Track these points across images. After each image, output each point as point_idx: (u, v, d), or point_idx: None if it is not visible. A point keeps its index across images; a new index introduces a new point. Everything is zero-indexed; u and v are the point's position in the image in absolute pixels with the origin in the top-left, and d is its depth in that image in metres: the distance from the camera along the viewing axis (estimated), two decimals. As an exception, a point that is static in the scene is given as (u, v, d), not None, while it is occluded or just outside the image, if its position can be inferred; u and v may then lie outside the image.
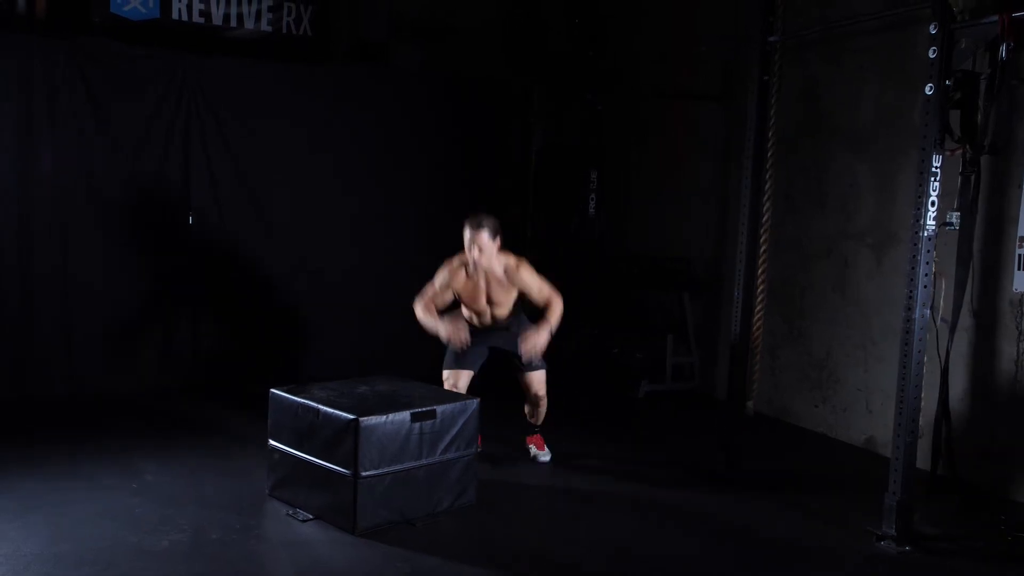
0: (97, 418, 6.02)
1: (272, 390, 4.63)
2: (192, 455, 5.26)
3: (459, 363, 5.20)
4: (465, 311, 5.26)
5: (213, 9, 6.90)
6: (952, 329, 4.49)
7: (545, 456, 5.46)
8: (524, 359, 5.17)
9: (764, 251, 5.49)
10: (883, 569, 4.14)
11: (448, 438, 4.48)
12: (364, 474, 4.18)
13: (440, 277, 5.09)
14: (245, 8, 7.02)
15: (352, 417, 4.18)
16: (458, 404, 4.55)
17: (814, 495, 5.04)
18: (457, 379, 5.19)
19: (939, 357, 4.49)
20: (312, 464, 4.37)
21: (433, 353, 7.57)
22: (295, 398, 4.49)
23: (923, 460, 4.50)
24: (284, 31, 7.18)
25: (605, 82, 7.57)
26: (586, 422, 6.50)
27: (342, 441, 4.21)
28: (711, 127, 7.27)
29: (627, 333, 7.52)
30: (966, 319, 5.09)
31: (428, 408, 4.43)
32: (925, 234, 4.22)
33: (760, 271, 5.53)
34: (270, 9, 7.11)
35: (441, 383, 5.22)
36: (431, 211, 7.53)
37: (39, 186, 6.32)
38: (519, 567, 4.03)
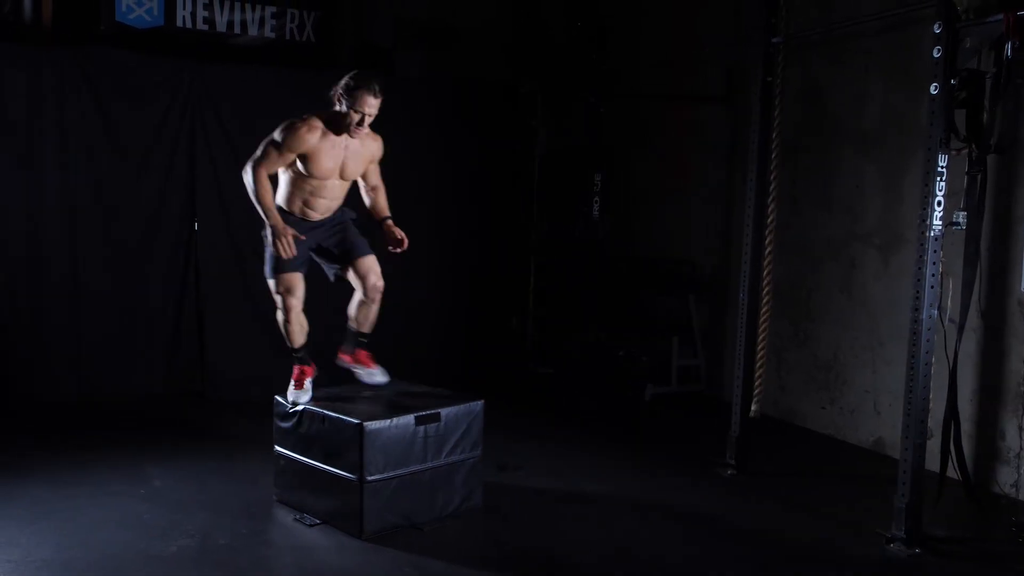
0: (105, 424, 6.03)
1: (277, 396, 4.63)
2: (200, 461, 5.27)
3: (289, 265, 4.42)
4: (298, 198, 4.49)
5: (217, 16, 6.92)
6: (960, 329, 4.47)
7: (381, 376, 4.79)
8: (376, 290, 4.63)
9: (769, 253, 5.47)
10: (892, 572, 4.13)
11: (453, 441, 4.48)
12: (370, 478, 4.18)
13: (284, 134, 4.28)
14: (249, 15, 7.04)
15: (357, 422, 4.19)
16: (463, 407, 4.55)
17: (822, 497, 5.02)
18: (293, 285, 4.47)
19: (947, 358, 4.47)
20: (318, 469, 4.37)
21: (439, 356, 7.65)
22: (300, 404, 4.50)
23: (932, 462, 4.47)
24: (287, 37, 7.20)
25: (608, 84, 7.57)
26: (591, 425, 6.49)
27: (347, 446, 4.21)
28: (715, 129, 7.27)
29: (632, 336, 7.50)
30: (974, 319, 5.06)
31: (432, 411, 4.43)
32: (932, 234, 4.21)
33: (766, 273, 5.52)
34: (273, 16, 7.13)
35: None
36: (435, 214, 7.53)
37: (48, 194, 6.36)
38: (526, 569, 4.02)
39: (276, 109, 6.89)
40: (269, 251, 4.44)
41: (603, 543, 4.33)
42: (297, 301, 4.49)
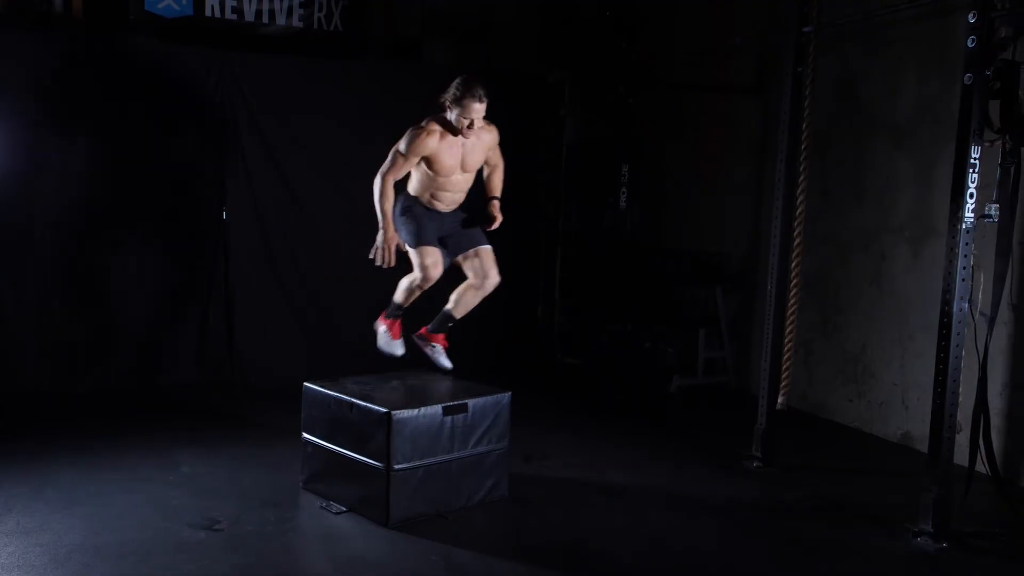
0: (134, 411, 6.10)
1: (306, 384, 4.67)
2: (228, 448, 5.32)
3: (428, 239, 4.76)
4: (427, 191, 4.82)
5: (245, 6, 6.95)
6: (991, 323, 4.42)
7: (447, 361, 5.05)
8: (489, 284, 4.88)
9: (798, 244, 5.43)
10: (920, 566, 4.10)
11: (480, 431, 4.49)
12: (397, 467, 4.21)
13: (409, 142, 4.64)
14: (277, 4, 7.07)
15: (385, 410, 4.21)
16: (490, 398, 4.57)
17: (849, 491, 5.00)
18: (438, 258, 4.76)
19: (977, 352, 4.42)
20: (345, 457, 4.40)
21: (465, 346, 7.64)
22: (329, 392, 4.53)
23: (960, 456, 4.43)
24: (315, 27, 7.22)
25: (638, 75, 7.53)
26: (617, 416, 6.49)
27: (375, 434, 4.24)
28: (745, 120, 7.21)
29: (659, 327, 7.49)
30: (1005, 313, 5.01)
31: (460, 402, 4.45)
32: (963, 227, 4.16)
33: (794, 265, 5.48)
34: (301, 5, 7.15)
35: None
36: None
37: (78, 183, 6.42)
38: (553, 560, 4.03)
39: (304, 98, 7.02)
40: (407, 226, 4.79)
41: (634, 534, 4.33)
42: (438, 272, 4.74)
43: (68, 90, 6.33)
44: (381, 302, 7.33)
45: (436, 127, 4.66)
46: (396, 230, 4.78)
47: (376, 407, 4.26)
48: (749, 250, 7.20)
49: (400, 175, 4.73)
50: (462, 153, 4.74)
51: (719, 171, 7.47)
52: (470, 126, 4.60)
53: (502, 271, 8.19)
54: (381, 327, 5.16)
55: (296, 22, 7.15)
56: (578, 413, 6.45)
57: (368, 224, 7.23)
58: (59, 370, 6.45)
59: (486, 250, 4.90)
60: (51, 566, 3.69)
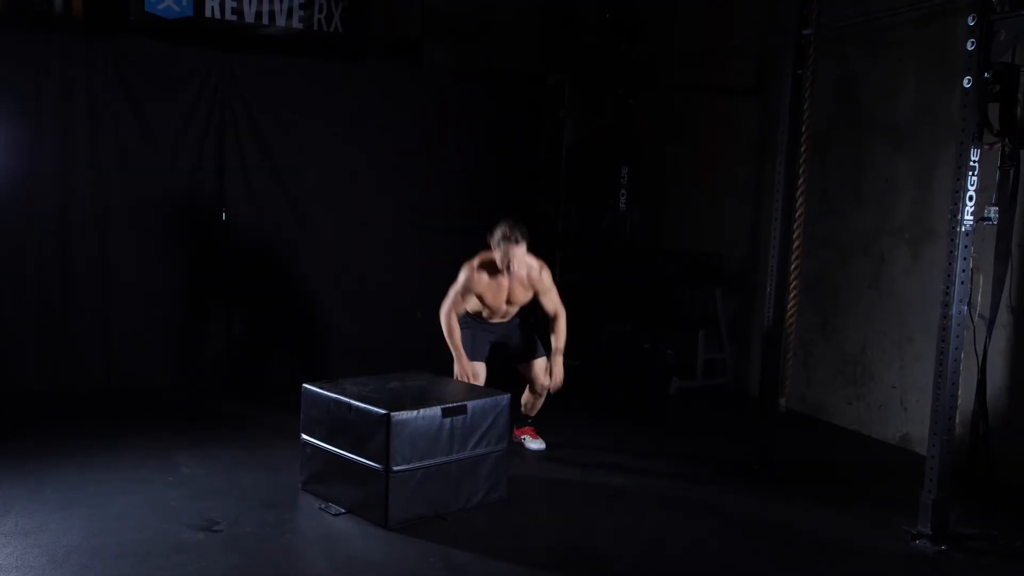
0: (134, 411, 6.10)
1: (305, 385, 4.67)
2: (227, 449, 5.31)
3: (476, 355, 5.32)
4: (477, 305, 5.33)
5: (245, 7, 6.95)
6: (990, 326, 4.42)
7: (540, 445, 5.56)
8: (543, 388, 5.41)
9: (798, 246, 5.44)
10: (920, 568, 4.10)
11: (479, 433, 4.49)
12: (396, 469, 4.21)
13: (463, 282, 5.20)
14: (277, 5, 7.07)
15: (384, 412, 4.20)
16: (489, 400, 4.56)
17: (849, 493, 5.00)
18: (478, 373, 5.28)
19: (976, 354, 4.42)
20: (344, 459, 4.40)
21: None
22: (328, 393, 4.53)
23: (959, 458, 4.43)
24: (315, 28, 7.22)
25: (637, 76, 7.54)
26: (617, 418, 6.49)
27: (374, 436, 4.23)
28: (745, 121, 7.22)
29: (659, 329, 7.49)
30: (1004, 316, 5.01)
31: (459, 403, 4.44)
32: (963, 229, 4.16)
33: (794, 267, 5.48)
34: (301, 6, 7.15)
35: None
36: (464, 205, 7.55)
37: (78, 183, 6.43)
38: (552, 561, 4.03)
39: (304, 100, 7.03)
40: (463, 339, 5.27)
41: (634, 535, 4.33)
42: (481, 383, 5.23)
43: (68, 90, 6.32)
44: (380, 303, 7.38)
45: (479, 266, 5.19)
46: None
47: (375, 408, 4.26)
48: (748, 251, 7.20)
49: (460, 310, 5.26)
50: (508, 288, 5.24)
51: (719, 172, 7.47)
52: (508, 267, 5.09)
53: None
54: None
55: (296, 23, 7.16)
56: (578, 414, 6.45)
57: (367, 224, 7.32)
58: (57, 370, 6.44)
59: (537, 363, 5.41)
60: (49, 567, 3.69)
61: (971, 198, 4.14)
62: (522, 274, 5.22)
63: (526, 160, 8.03)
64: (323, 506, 4.45)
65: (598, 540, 4.26)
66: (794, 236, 5.44)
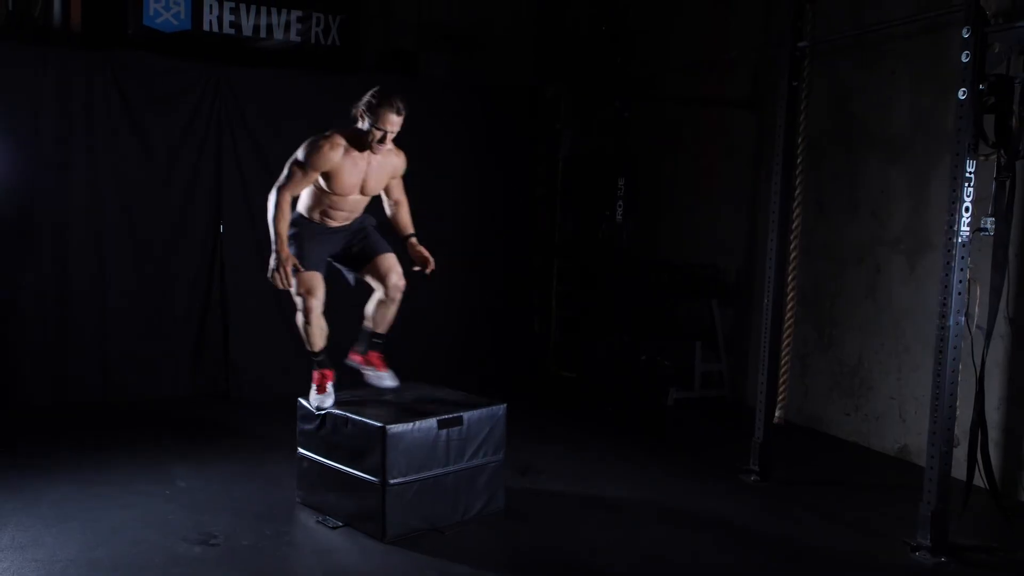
0: (130, 425, 6.09)
1: (301, 399, 4.66)
2: (224, 462, 5.30)
3: (309, 264, 4.43)
4: (317, 208, 4.51)
5: (243, 20, 6.97)
6: (988, 336, 4.43)
7: (391, 380, 4.73)
8: (397, 289, 4.60)
9: (794, 258, 5.44)
10: (918, 580, 4.09)
11: (475, 444, 4.48)
12: (392, 481, 4.20)
13: (313, 156, 4.29)
14: (274, 19, 7.09)
15: (380, 425, 4.20)
16: (485, 411, 4.56)
17: (846, 505, 4.99)
18: (314, 286, 4.45)
19: (974, 365, 4.42)
20: (341, 472, 4.39)
21: (461, 359, 7.65)
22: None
23: (958, 470, 4.43)
24: (313, 41, 7.24)
25: (634, 88, 7.56)
26: (614, 429, 6.48)
27: (370, 449, 4.23)
28: (741, 133, 7.23)
29: (656, 340, 7.49)
30: (1002, 326, 5.01)
31: (455, 415, 4.43)
32: (959, 240, 4.17)
33: (790, 278, 5.49)
34: (299, 19, 7.18)
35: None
36: (458, 216, 7.57)
37: (76, 196, 6.44)
38: (549, 574, 4.01)
39: (301, 112, 7.02)
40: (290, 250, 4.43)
41: (629, 549, 4.31)
42: (318, 302, 4.48)
43: (66, 104, 6.33)
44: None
45: (341, 140, 4.32)
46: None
47: (371, 421, 4.25)
48: (745, 263, 7.21)
49: (299, 190, 4.38)
50: (366, 172, 4.43)
51: (715, 184, 7.48)
52: (382, 140, 4.27)
53: (499, 284, 8.23)
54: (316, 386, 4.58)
55: (294, 36, 7.18)
56: (574, 426, 6.44)
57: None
58: (55, 383, 6.43)
59: (387, 256, 4.60)
60: (45, 581, 3.68)
61: (967, 209, 4.16)
62: (392, 157, 4.49)
63: (523, 172, 8.04)
64: (320, 519, 4.44)
65: (596, 552, 4.25)
66: (791, 247, 5.44)
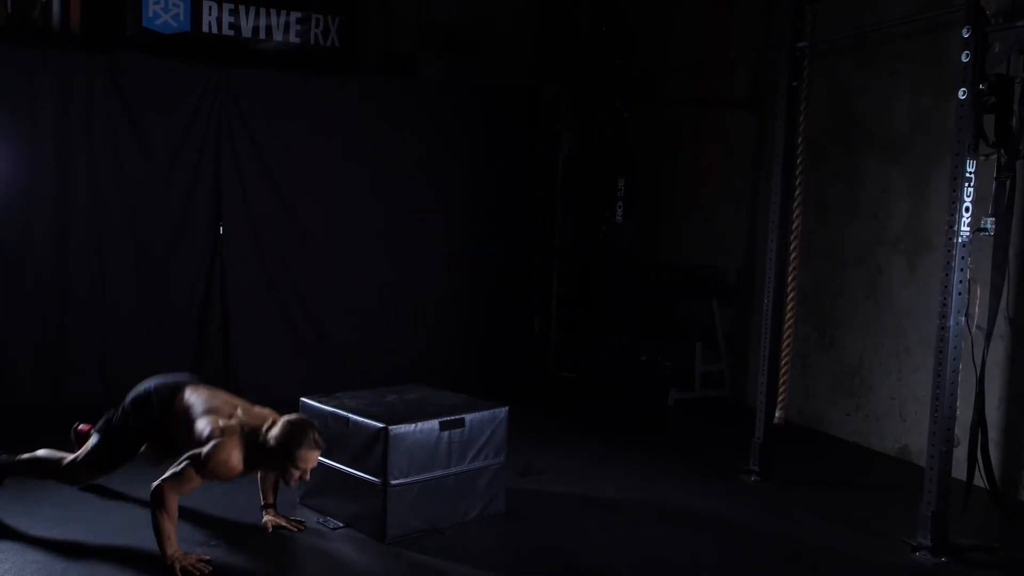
0: (130, 426, 6.07)
1: (302, 399, 4.66)
2: (224, 463, 5.28)
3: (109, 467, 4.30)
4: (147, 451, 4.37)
5: (242, 22, 6.97)
6: (988, 336, 4.43)
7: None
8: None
9: (795, 258, 5.44)
10: (919, 580, 4.09)
11: (477, 446, 4.48)
12: (394, 482, 4.19)
13: (214, 467, 3.84)
14: (274, 20, 7.08)
15: (381, 426, 4.20)
16: (487, 413, 4.56)
17: (847, 505, 4.99)
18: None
19: (974, 365, 4.42)
20: (342, 472, 4.38)
21: (462, 360, 7.66)
22: (325, 407, 4.52)
23: (958, 470, 4.43)
24: (312, 43, 7.23)
25: (633, 89, 7.56)
26: (614, 430, 6.47)
27: (372, 449, 4.22)
28: (741, 134, 7.24)
29: (656, 341, 7.49)
30: (1002, 326, 5.01)
31: (457, 417, 4.43)
32: (959, 240, 4.17)
33: (791, 278, 5.49)
34: (298, 21, 7.17)
35: None
36: (457, 217, 7.57)
37: (76, 197, 6.42)
38: (550, 575, 4.01)
39: (301, 113, 7.04)
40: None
41: (630, 549, 4.31)
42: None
43: (65, 106, 6.32)
44: (378, 315, 7.38)
45: (240, 460, 3.88)
46: None
47: (373, 422, 4.25)
48: (745, 263, 7.21)
49: (186, 492, 3.88)
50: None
51: (715, 184, 7.49)
52: (301, 477, 3.87)
53: (499, 285, 8.23)
54: None
55: (293, 38, 7.17)
56: (575, 427, 6.44)
57: (365, 237, 7.32)
58: (55, 385, 6.42)
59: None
60: (46, 583, 3.68)
61: (967, 209, 4.16)
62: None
63: (522, 172, 8.04)
64: (321, 520, 4.44)
65: (596, 553, 4.25)
66: (791, 247, 5.44)
